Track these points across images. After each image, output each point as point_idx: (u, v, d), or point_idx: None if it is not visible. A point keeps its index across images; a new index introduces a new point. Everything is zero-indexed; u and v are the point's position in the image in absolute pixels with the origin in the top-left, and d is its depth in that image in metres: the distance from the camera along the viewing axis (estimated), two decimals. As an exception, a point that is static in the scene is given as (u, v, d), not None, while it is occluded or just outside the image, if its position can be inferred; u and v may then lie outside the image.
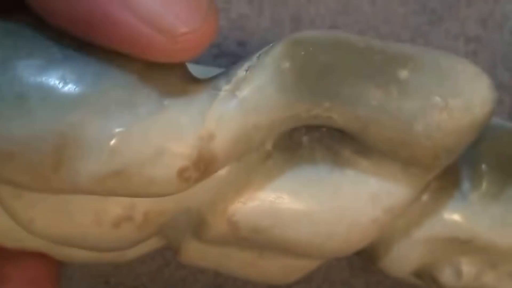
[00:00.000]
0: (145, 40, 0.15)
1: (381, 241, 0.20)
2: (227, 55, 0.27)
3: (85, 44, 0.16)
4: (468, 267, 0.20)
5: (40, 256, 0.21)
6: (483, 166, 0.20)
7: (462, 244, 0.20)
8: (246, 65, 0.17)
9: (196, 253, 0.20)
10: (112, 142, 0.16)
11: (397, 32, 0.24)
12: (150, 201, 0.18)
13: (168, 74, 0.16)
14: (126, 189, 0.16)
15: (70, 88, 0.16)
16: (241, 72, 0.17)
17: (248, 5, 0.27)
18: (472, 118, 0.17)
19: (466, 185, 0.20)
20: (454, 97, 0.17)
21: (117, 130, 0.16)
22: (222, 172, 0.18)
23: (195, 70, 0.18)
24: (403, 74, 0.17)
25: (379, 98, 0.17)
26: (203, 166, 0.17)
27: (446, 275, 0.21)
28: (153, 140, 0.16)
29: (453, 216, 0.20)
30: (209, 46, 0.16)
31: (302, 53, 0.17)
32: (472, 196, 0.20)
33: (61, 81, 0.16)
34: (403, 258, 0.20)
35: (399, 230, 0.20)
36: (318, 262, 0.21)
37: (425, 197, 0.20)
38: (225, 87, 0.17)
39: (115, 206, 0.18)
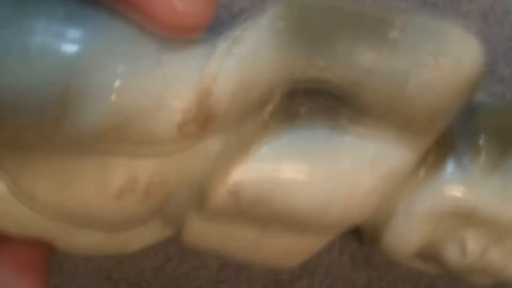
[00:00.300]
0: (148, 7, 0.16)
1: (382, 218, 0.20)
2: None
3: (87, 4, 0.16)
4: (472, 243, 0.20)
5: (32, 242, 0.21)
6: (481, 139, 0.20)
7: (464, 218, 0.20)
8: (242, 25, 0.17)
9: (198, 231, 0.20)
10: (113, 94, 0.16)
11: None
12: (152, 173, 0.18)
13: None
14: (128, 144, 0.17)
15: (71, 41, 0.16)
16: (237, 32, 0.17)
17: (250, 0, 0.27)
18: (463, 76, 0.17)
19: (464, 157, 0.20)
20: (444, 56, 0.17)
21: (117, 82, 0.16)
22: (220, 142, 0.18)
23: None
24: (393, 34, 0.17)
25: (371, 59, 0.17)
26: (202, 121, 0.17)
27: (450, 252, 0.21)
28: (152, 93, 0.16)
29: (452, 188, 0.20)
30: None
31: (296, 14, 0.17)
32: (471, 168, 0.20)
33: (63, 35, 0.16)
34: (405, 235, 0.20)
35: (399, 205, 0.20)
36: (322, 241, 0.21)
37: (422, 172, 0.20)
38: (222, 45, 0.17)
39: (117, 178, 0.18)
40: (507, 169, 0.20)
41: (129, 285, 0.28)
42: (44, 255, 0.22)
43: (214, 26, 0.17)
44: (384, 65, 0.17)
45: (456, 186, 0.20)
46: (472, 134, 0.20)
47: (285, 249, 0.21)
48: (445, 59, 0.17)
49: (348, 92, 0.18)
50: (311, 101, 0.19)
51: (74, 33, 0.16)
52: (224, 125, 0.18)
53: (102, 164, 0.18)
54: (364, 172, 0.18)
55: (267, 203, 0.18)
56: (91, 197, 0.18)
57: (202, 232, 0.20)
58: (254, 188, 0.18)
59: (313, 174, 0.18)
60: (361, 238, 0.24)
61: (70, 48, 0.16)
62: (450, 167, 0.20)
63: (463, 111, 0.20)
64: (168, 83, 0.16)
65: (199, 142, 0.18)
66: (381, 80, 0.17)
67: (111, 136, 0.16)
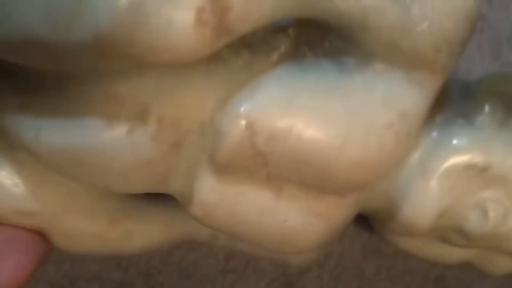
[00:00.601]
0: None
1: (397, 188, 0.20)
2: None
3: None
4: (493, 206, 0.20)
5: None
6: (485, 100, 0.21)
7: (480, 174, 0.20)
8: None
9: (210, 194, 0.19)
10: None
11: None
12: (163, 106, 0.18)
13: None
14: (146, 33, 0.16)
15: None
16: None
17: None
18: (463, 4, 0.18)
19: (471, 117, 0.21)
20: None
21: None
22: (231, 81, 0.18)
23: None
24: None
25: None
26: (219, 11, 0.16)
27: (472, 219, 0.21)
28: None
29: (464, 143, 0.20)
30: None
31: None
32: (480, 126, 0.20)
33: None
34: (423, 201, 0.20)
35: (414, 167, 0.20)
36: (339, 212, 0.20)
37: (434, 133, 0.20)
38: None
39: (128, 111, 0.18)
40: None
41: (138, 272, 0.28)
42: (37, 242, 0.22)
43: None
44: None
45: (468, 140, 0.20)
46: (475, 97, 0.21)
47: (301, 217, 0.20)
48: None
49: (354, 22, 0.18)
50: (317, 47, 0.19)
51: None
52: (237, 46, 0.18)
53: (111, 95, 0.18)
54: (378, 108, 0.18)
55: (283, 138, 0.18)
56: (100, 132, 0.18)
57: (214, 195, 0.19)
58: (269, 120, 0.18)
59: (327, 108, 0.18)
60: (372, 226, 0.24)
61: None
62: (458, 127, 0.20)
63: (463, 85, 0.21)
64: None
65: (217, 61, 0.18)
66: (386, 5, 0.17)
67: (129, 21, 0.15)
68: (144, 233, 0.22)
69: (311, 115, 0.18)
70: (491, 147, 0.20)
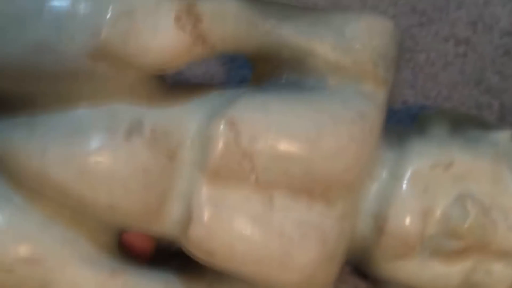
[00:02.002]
0: None
1: (378, 200, 0.23)
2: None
3: None
4: (469, 200, 0.22)
5: None
6: (434, 120, 0.24)
7: (447, 172, 0.22)
8: None
9: (207, 207, 0.21)
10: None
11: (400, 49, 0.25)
12: (154, 120, 0.21)
13: None
14: (137, 35, 0.20)
15: None
16: None
17: None
18: (385, 26, 0.23)
19: (425, 130, 0.24)
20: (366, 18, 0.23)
21: None
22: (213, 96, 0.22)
23: None
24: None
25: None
26: (193, 20, 0.21)
27: (454, 215, 0.22)
28: None
29: (423, 149, 0.23)
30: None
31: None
32: (433, 133, 0.24)
33: None
34: (405, 205, 0.22)
35: (386, 180, 0.23)
36: (336, 214, 0.22)
37: (396, 149, 0.23)
38: None
39: (124, 121, 0.21)
40: (463, 133, 0.24)
41: None
42: None
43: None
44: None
45: (426, 148, 0.23)
46: (423, 120, 0.25)
47: (296, 229, 0.22)
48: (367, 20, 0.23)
49: (303, 58, 0.22)
50: (277, 81, 0.23)
51: None
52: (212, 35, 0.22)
53: (110, 109, 0.21)
54: (339, 109, 0.22)
55: (264, 137, 0.21)
56: (101, 141, 0.21)
57: (211, 209, 0.21)
58: (249, 121, 0.21)
59: (296, 110, 0.21)
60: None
61: None
62: (415, 139, 0.23)
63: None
64: None
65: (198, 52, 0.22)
66: (323, 39, 0.22)
67: (122, 21, 0.20)
68: None
69: (285, 115, 0.21)
70: (447, 148, 0.23)
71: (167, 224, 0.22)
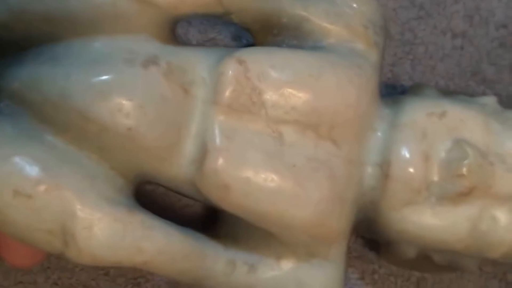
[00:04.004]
0: None
1: (382, 147, 0.24)
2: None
3: None
4: (466, 144, 0.23)
5: None
6: (425, 87, 0.27)
7: (441, 121, 0.24)
8: None
9: (222, 138, 0.22)
10: None
11: (386, 26, 0.25)
12: (169, 56, 0.23)
13: None
14: None
15: None
16: None
17: None
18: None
19: (419, 92, 0.26)
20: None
21: None
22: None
23: None
24: None
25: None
26: None
27: (453, 156, 0.23)
28: None
29: (418, 102, 0.25)
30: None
31: None
32: (427, 93, 0.26)
33: None
34: (406, 148, 0.24)
35: (387, 130, 0.24)
36: (342, 155, 0.23)
37: (393, 105, 0.25)
38: None
39: (141, 57, 0.23)
40: (453, 96, 0.25)
41: (126, 281, 0.28)
42: None
43: None
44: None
45: (421, 101, 0.25)
46: (414, 89, 0.27)
47: (307, 162, 0.23)
48: None
49: (300, 23, 0.24)
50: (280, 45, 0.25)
51: None
52: None
53: (127, 44, 0.23)
54: (339, 59, 0.24)
55: (272, 73, 0.23)
56: (120, 70, 0.22)
57: (225, 141, 0.22)
58: (257, 61, 0.23)
59: (300, 57, 0.23)
60: (358, 230, 0.25)
61: None
62: (410, 97, 0.25)
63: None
64: None
65: None
66: (316, 5, 0.24)
67: None
68: (163, 231, 0.23)
69: (289, 58, 0.23)
70: (439, 102, 0.25)
71: (182, 165, 0.23)
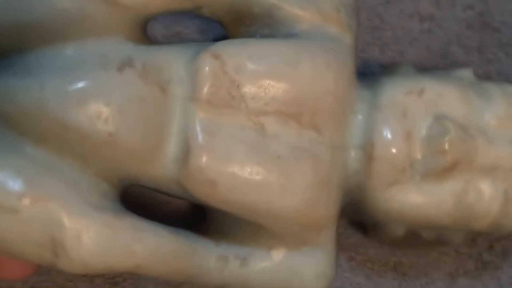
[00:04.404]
0: None
1: (365, 129, 0.24)
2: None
3: None
4: (446, 119, 0.24)
5: None
6: (400, 65, 0.27)
7: (420, 98, 0.24)
8: None
9: (204, 134, 0.22)
10: None
11: (357, 7, 0.25)
12: (144, 57, 0.23)
13: None
14: None
15: None
16: None
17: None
18: None
19: (395, 70, 0.26)
20: None
21: None
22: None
23: None
24: None
25: None
26: None
27: (434, 132, 0.24)
28: None
29: (394, 81, 0.25)
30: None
31: None
32: (402, 71, 0.26)
33: None
34: (387, 127, 0.24)
35: (366, 111, 0.24)
36: (325, 142, 0.23)
37: (370, 88, 0.25)
38: None
39: (116, 57, 0.22)
40: (429, 72, 0.26)
41: (104, 280, 0.28)
42: None
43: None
44: None
45: (397, 80, 0.25)
46: (390, 69, 0.27)
47: (291, 152, 0.23)
48: None
49: (271, 12, 0.24)
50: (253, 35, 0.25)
51: None
52: None
53: (99, 49, 0.23)
54: (313, 44, 0.24)
55: (248, 65, 0.23)
56: (95, 76, 0.22)
57: (208, 138, 0.22)
58: (232, 54, 0.23)
59: (275, 45, 0.24)
60: (343, 213, 0.25)
61: None
62: (386, 77, 0.25)
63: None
64: None
65: None
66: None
67: None
68: (153, 233, 0.23)
69: (264, 47, 0.23)
70: (417, 79, 0.25)
71: (166, 164, 0.23)
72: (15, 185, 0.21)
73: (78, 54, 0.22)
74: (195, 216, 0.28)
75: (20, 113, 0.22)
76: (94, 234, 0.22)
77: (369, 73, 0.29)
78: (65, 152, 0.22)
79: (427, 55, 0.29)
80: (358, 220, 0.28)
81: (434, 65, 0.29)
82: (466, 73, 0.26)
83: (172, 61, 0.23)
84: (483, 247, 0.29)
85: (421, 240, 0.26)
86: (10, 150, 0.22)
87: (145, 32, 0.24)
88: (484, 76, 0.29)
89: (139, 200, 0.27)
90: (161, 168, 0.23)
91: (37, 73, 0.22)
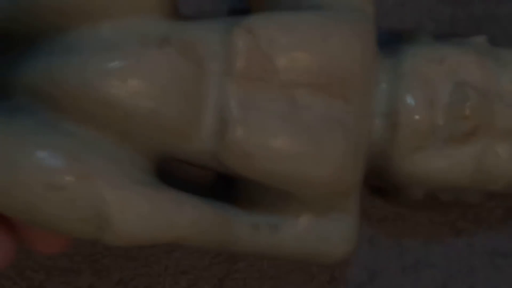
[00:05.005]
0: None
1: (389, 98, 0.25)
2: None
3: None
4: (467, 86, 0.25)
5: None
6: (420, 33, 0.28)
7: (441, 65, 0.25)
8: None
9: (240, 108, 0.23)
10: None
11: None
12: (180, 35, 0.23)
13: None
14: None
15: None
16: None
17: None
18: None
19: (414, 38, 0.27)
20: None
21: None
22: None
23: None
24: None
25: None
26: None
27: (457, 98, 0.25)
28: None
29: (416, 49, 0.26)
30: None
31: None
32: (422, 40, 0.27)
33: None
34: (411, 94, 0.25)
35: (390, 81, 0.25)
36: (353, 110, 0.24)
37: (393, 57, 0.26)
38: None
39: (154, 38, 0.23)
40: (446, 40, 0.27)
41: (83, 258, 0.28)
42: None
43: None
44: None
45: (419, 48, 0.26)
46: (408, 36, 0.27)
47: (323, 123, 0.23)
48: None
49: None
50: None
51: None
52: None
53: (136, 27, 0.23)
54: (337, 13, 0.24)
55: (279, 38, 0.23)
56: (137, 53, 0.23)
57: (243, 111, 0.23)
58: (264, 27, 0.23)
59: (307, 19, 0.24)
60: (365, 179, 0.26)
61: None
62: (407, 46, 0.26)
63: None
64: None
65: None
66: None
67: None
68: (192, 204, 0.23)
69: (294, 21, 0.24)
70: (437, 47, 0.26)
71: (203, 139, 0.23)
72: (60, 163, 0.22)
73: (117, 33, 0.23)
74: (219, 187, 0.28)
75: (62, 92, 0.22)
76: (138, 208, 0.22)
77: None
78: (106, 129, 0.22)
79: (400, 28, 0.30)
80: (376, 185, 0.29)
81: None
82: (481, 40, 0.27)
83: (206, 37, 0.23)
84: (457, 215, 0.30)
85: (439, 202, 0.27)
86: (52, 129, 0.22)
87: (177, 8, 0.24)
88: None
89: (169, 174, 0.27)
90: (198, 143, 0.23)
91: (78, 52, 0.22)
